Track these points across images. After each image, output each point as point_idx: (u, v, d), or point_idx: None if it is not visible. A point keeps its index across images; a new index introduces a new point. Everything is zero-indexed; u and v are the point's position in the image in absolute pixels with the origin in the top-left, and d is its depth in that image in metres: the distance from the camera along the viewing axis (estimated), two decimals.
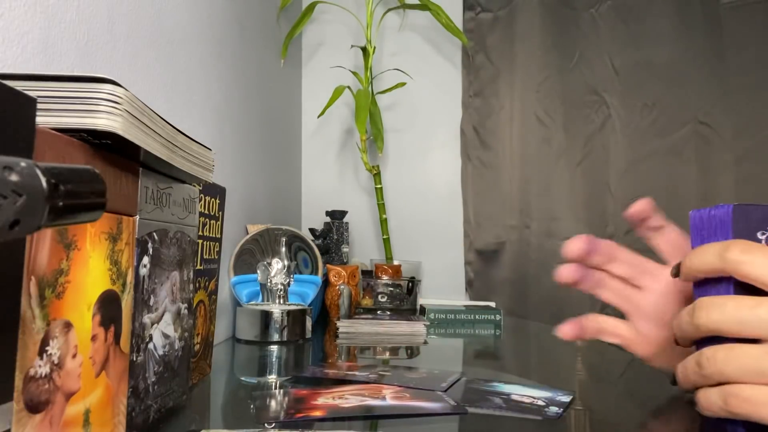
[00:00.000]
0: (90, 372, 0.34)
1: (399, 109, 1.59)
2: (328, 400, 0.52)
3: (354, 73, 1.44)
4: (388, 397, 0.53)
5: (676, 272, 0.44)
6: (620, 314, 0.55)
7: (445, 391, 0.57)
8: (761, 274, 0.37)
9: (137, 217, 0.39)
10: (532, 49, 1.50)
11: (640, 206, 0.55)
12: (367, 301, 1.13)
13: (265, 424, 0.45)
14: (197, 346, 0.62)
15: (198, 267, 0.62)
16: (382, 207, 1.42)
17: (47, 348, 0.29)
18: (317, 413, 0.48)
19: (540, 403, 0.53)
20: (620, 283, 0.55)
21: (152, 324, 0.42)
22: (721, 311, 0.38)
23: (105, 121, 0.32)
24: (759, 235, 0.40)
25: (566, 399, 0.54)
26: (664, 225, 0.54)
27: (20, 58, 0.46)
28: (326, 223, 1.38)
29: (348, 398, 0.52)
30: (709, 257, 0.40)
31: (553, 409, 0.51)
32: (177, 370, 0.48)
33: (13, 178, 0.19)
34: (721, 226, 0.41)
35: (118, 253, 0.37)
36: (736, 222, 0.40)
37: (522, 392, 0.56)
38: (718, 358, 0.38)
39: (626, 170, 1.43)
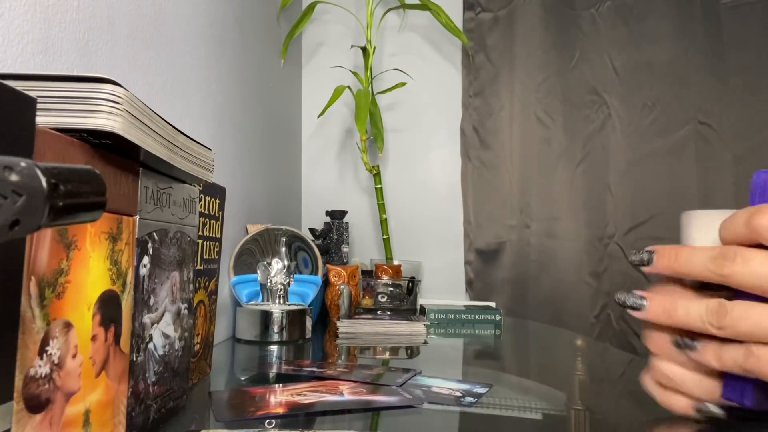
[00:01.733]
0: (90, 372, 0.34)
1: (399, 109, 1.59)
2: (287, 397, 0.53)
3: (354, 73, 1.44)
4: (346, 393, 0.55)
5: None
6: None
7: (401, 386, 0.58)
8: None
9: (137, 217, 0.39)
10: (532, 49, 1.50)
11: None
12: (367, 301, 1.13)
13: (266, 424, 0.45)
14: (197, 346, 0.62)
15: (198, 267, 0.62)
16: (382, 207, 1.42)
17: (47, 348, 0.29)
18: (278, 410, 0.49)
19: (457, 393, 0.56)
20: None
21: (152, 324, 0.42)
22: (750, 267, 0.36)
23: (105, 121, 0.32)
24: None
25: (482, 390, 0.58)
26: None
27: (20, 58, 0.46)
28: (326, 223, 1.38)
29: (306, 395, 0.54)
30: (737, 227, 0.37)
31: (468, 399, 0.54)
32: (177, 370, 0.48)
33: (13, 178, 0.19)
34: None
35: (118, 253, 0.37)
36: None
37: (442, 385, 0.59)
38: (735, 314, 0.36)
39: (626, 170, 1.43)
